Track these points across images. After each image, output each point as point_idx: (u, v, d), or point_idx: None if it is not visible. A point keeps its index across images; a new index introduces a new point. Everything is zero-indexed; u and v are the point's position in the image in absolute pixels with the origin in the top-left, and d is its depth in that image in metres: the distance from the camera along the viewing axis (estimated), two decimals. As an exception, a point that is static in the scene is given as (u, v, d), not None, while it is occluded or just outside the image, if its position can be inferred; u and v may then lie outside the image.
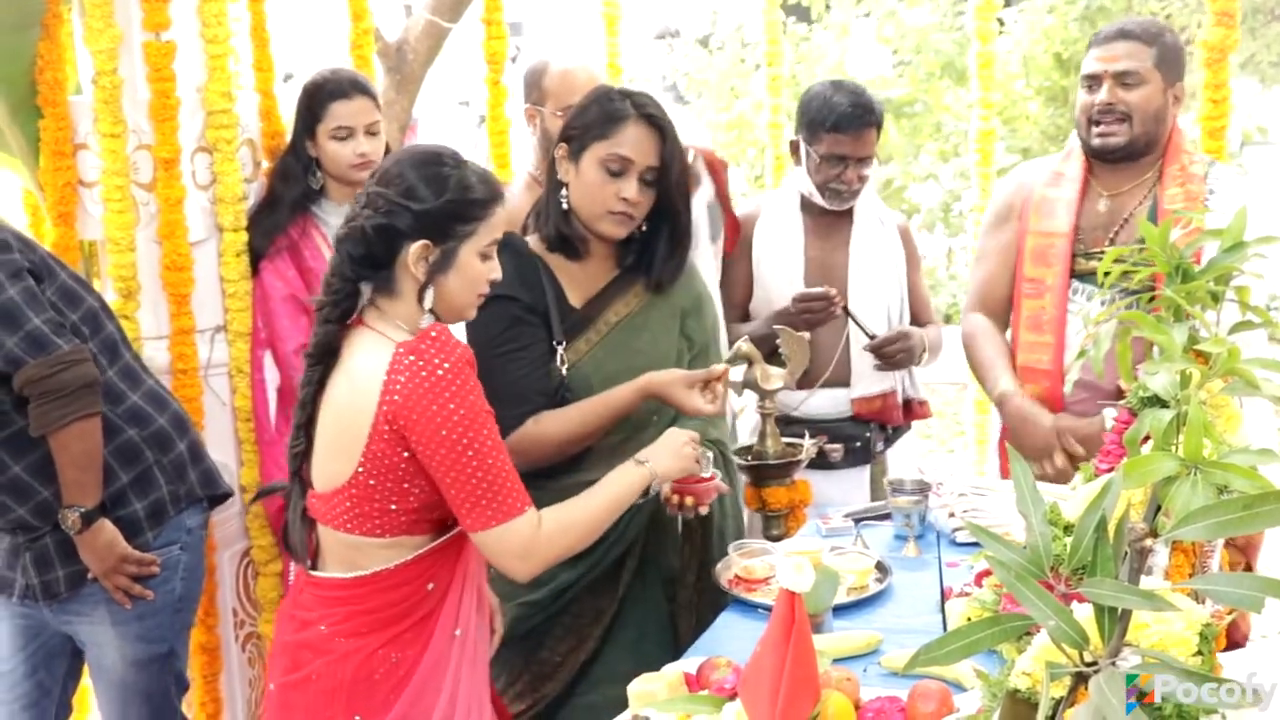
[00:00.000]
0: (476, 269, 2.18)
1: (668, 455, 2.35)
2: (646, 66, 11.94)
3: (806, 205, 3.46)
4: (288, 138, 3.55)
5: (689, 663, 2.19)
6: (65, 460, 2.68)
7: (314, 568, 2.25)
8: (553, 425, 2.58)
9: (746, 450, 3.06)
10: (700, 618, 2.69)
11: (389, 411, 2.05)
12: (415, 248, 2.12)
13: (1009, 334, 3.32)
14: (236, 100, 3.52)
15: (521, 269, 2.65)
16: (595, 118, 2.61)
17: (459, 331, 2.96)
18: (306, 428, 2.21)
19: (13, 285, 2.64)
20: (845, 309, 3.31)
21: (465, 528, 2.14)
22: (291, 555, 2.32)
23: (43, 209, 3.57)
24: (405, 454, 2.08)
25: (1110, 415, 2.99)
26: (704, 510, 2.50)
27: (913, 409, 3.59)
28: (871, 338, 3.35)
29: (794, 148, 3.44)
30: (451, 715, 2.18)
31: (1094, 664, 1.36)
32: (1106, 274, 1.88)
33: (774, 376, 2.97)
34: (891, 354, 3.34)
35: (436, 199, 2.13)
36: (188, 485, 2.91)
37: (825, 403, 3.38)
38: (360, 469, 2.10)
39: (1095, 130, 3.10)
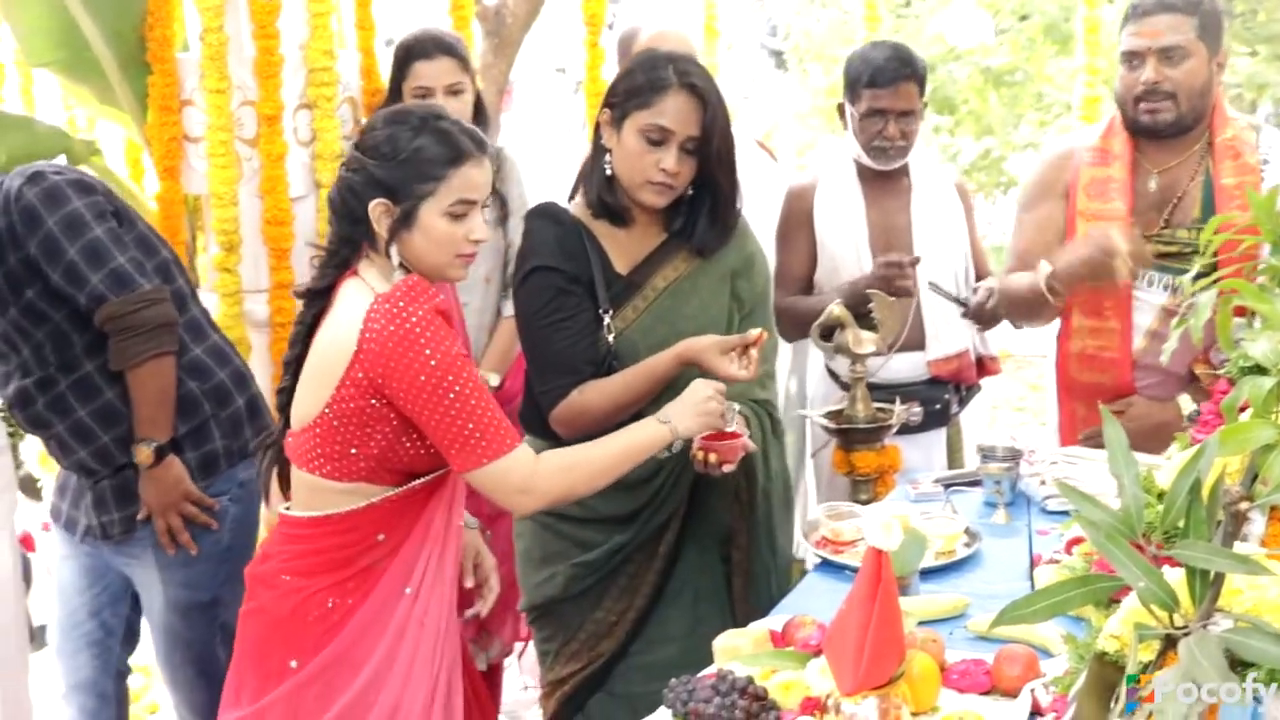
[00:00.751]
0: (442, 230, 2.16)
1: (690, 413, 2.32)
2: (743, 29, 11.84)
3: (862, 171, 3.43)
4: (387, 96, 3.59)
5: (774, 620, 2.21)
6: (141, 396, 2.77)
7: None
8: (596, 395, 2.56)
9: (836, 414, 3.06)
10: (752, 579, 2.70)
11: (364, 360, 2.08)
12: (373, 205, 2.14)
13: (1058, 320, 3.22)
14: (337, 58, 3.58)
15: (563, 239, 2.63)
16: (637, 85, 2.56)
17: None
18: (295, 365, 2.25)
19: (99, 225, 2.74)
20: (931, 284, 3.29)
21: (457, 469, 2.16)
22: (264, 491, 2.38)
23: (143, 160, 3.66)
24: (373, 401, 2.11)
25: (1186, 401, 2.94)
26: (729, 468, 2.45)
27: (984, 366, 3.57)
28: (963, 304, 3.33)
29: (840, 111, 3.42)
30: (387, 670, 2.18)
31: (1184, 628, 1.35)
32: (1188, 250, 1.84)
33: (866, 341, 2.97)
34: (991, 313, 3.31)
35: (391, 158, 2.14)
36: (242, 440, 2.97)
37: (902, 366, 3.35)
38: (327, 409, 2.13)
39: (1142, 108, 2.98)
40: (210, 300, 3.60)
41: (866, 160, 3.36)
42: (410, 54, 3.37)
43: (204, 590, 2.94)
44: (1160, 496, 1.85)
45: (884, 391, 3.15)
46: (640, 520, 2.63)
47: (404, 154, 2.14)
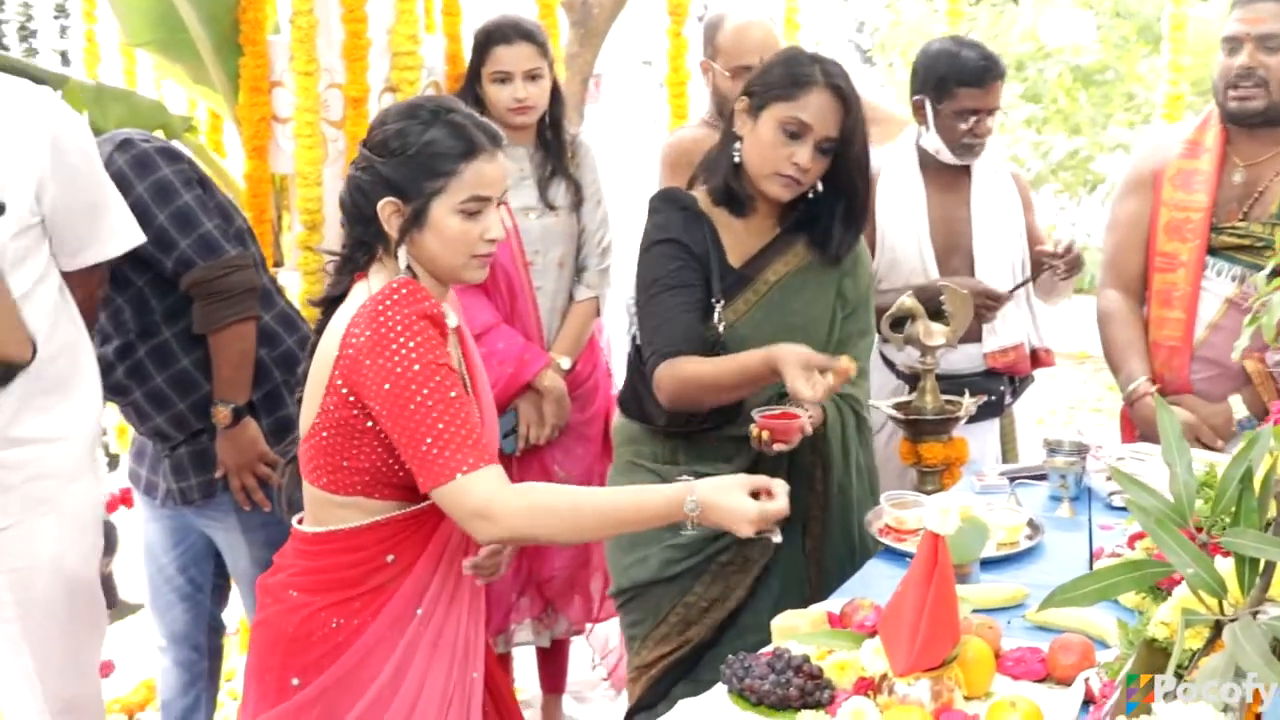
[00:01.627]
0: (455, 228, 2.05)
1: (724, 517, 2.00)
2: (829, 25, 11.79)
3: (924, 164, 3.44)
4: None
5: (834, 603, 2.23)
6: (222, 359, 2.86)
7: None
8: (691, 367, 2.54)
9: (904, 405, 3.07)
10: (825, 571, 2.71)
11: (343, 365, 2.00)
12: (382, 205, 2.05)
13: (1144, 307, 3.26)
14: (421, 43, 3.64)
15: (688, 222, 2.67)
16: (780, 77, 2.58)
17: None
18: (306, 377, 2.16)
19: (187, 192, 2.82)
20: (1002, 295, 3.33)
21: (421, 488, 2.00)
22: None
23: (223, 139, 3.76)
24: (355, 412, 2.02)
25: (1238, 402, 2.94)
26: (785, 447, 2.44)
27: (1039, 358, 3.56)
28: (1030, 279, 3.36)
29: (918, 107, 3.41)
30: (391, 694, 2.09)
31: (1233, 616, 1.36)
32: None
33: (936, 333, 2.98)
34: (1074, 261, 3.28)
35: (400, 154, 2.04)
36: None
37: (960, 359, 3.36)
38: (318, 419, 2.06)
39: (1232, 94, 3.01)
40: (293, 278, 3.70)
41: (945, 155, 3.37)
42: (490, 39, 3.42)
43: None
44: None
45: (940, 383, 3.16)
46: None
47: (413, 149, 2.03)
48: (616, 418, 2.92)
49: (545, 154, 3.49)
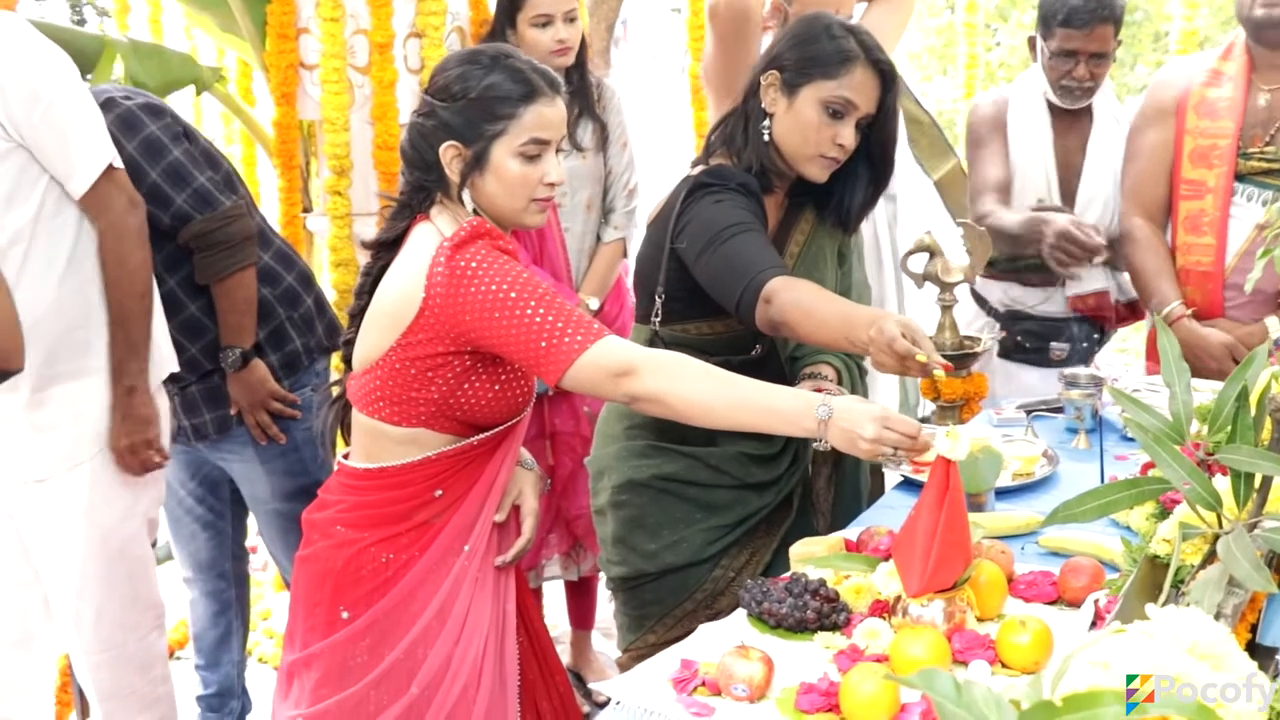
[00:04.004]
0: (515, 172, 2.09)
1: (860, 433, 1.93)
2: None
3: (1049, 104, 3.48)
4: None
5: (851, 532, 2.29)
6: (227, 306, 2.94)
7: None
8: (807, 286, 2.32)
9: (924, 340, 3.10)
10: (835, 520, 2.71)
11: (434, 307, 2.02)
12: (444, 149, 2.09)
13: (1168, 235, 3.29)
14: (445, -13, 3.67)
15: (750, 192, 2.54)
16: (821, 54, 2.46)
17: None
18: (359, 317, 2.19)
19: (176, 147, 2.87)
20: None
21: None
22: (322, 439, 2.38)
23: (253, 87, 3.80)
24: (439, 349, 2.05)
25: (1274, 323, 2.97)
26: None
27: (1125, 312, 3.58)
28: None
29: (1031, 44, 3.45)
30: (439, 627, 2.15)
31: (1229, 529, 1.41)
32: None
33: (955, 269, 3.00)
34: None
35: (461, 98, 2.08)
36: (316, 337, 3.15)
37: (1058, 304, 3.49)
38: (392, 353, 2.07)
39: (1259, 1, 3.02)
40: (321, 223, 3.76)
41: (1051, 95, 3.41)
42: None
43: (306, 475, 3.12)
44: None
45: (1036, 323, 3.33)
46: (779, 485, 2.65)
47: (474, 93, 2.07)
48: None
49: (572, 96, 3.52)
